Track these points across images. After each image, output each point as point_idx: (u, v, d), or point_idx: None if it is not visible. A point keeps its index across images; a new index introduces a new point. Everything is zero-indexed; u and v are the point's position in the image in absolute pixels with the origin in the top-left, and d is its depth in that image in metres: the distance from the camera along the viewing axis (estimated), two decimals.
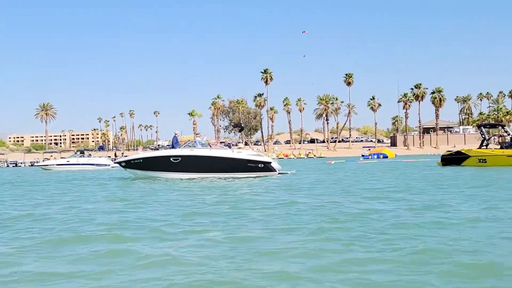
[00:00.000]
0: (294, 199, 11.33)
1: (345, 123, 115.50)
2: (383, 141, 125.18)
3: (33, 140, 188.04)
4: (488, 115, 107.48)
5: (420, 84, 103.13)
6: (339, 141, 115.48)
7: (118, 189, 17.55)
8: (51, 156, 64.21)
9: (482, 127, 30.54)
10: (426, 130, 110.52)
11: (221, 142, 25.99)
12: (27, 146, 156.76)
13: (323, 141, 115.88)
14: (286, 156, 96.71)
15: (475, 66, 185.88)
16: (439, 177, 19.92)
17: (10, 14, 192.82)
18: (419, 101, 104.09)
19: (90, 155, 52.52)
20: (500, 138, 35.75)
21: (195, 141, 24.47)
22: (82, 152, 52.27)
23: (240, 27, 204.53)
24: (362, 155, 70.42)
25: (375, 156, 65.45)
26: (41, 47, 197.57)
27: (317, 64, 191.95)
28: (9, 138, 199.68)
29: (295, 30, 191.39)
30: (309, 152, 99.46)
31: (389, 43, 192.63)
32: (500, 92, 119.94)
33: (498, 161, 27.66)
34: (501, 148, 28.64)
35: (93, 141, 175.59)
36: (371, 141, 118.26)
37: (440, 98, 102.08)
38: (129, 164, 25.03)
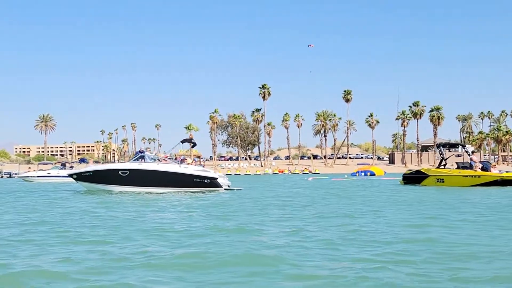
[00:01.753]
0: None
1: (344, 140, 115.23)
2: (383, 158, 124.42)
3: (38, 151, 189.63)
4: (487, 134, 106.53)
5: (418, 102, 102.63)
6: (338, 158, 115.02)
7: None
8: (29, 168, 65.29)
9: (442, 147, 30.34)
10: (425, 148, 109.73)
11: (168, 157, 26.12)
12: (32, 157, 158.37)
13: (324, 158, 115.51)
14: (281, 171, 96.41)
15: (478, 84, 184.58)
16: (364, 194, 19.66)
17: (18, 28, 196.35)
18: (417, 119, 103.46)
19: (72, 167, 52.95)
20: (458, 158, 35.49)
21: (144, 155, 24.57)
22: (63, 165, 52.98)
23: (240, 42, 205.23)
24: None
25: (363, 174, 65.01)
26: (47, 59, 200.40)
27: (316, 80, 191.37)
28: (15, 148, 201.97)
29: (295, 45, 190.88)
30: (305, 168, 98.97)
31: (390, 60, 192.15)
32: (502, 111, 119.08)
33: (455, 181, 27.38)
34: (458, 168, 28.38)
35: (98, 153, 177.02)
36: (371, 158, 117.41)
37: (439, 116, 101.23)
38: (79, 177, 25.17)
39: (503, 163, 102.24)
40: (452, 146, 30.42)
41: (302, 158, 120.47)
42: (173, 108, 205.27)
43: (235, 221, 10.21)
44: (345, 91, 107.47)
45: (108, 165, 28.06)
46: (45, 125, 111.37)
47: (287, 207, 14.19)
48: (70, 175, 26.58)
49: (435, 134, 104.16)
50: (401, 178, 31.84)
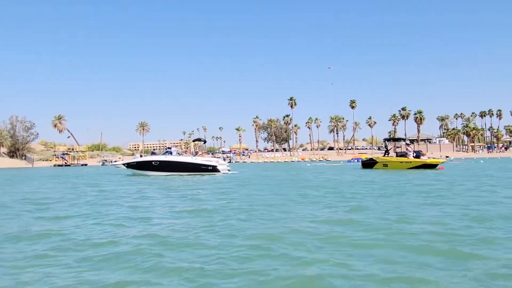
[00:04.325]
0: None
1: (352, 136, 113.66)
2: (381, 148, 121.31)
3: (144, 147, 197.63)
4: (459, 130, 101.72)
5: (405, 107, 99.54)
6: (349, 149, 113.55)
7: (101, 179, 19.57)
8: (119, 158, 68.59)
9: (386, 141, 30.07)
10: (411, 141, 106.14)
11: (186, 151, 27.77)
12: (140, 151, 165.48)
13: (337, 149, 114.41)
14: (303, 159, 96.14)
15: (455, 91, 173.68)
16: (316, 172, 20.37)
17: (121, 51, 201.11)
18: (405, 120, 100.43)
19: (141, 156, 55.09)
20: (397, 149, 34.82)
21: (171, 151, 26.29)
22: (141, 156, 55.42)
23: (275, 61, 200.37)
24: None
25: (356, 160, 64.34)
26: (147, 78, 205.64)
27: (330, 91, 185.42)
28: (129, 145, 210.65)
29: (319, 63, 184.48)
30: (322, 157, 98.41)
31: (389, 74, 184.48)
32: (472, 113, 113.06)
33: (395, 165, 27.46)
34: (397, 156, 28.26)
35: (181, 148, 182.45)
36: (371, 149, 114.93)
37: (421, 118, 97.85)
38: (128, 165, 27.15)
39: (472, 151, 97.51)
40: (395, 140, 30.16)
41: (322, 149, 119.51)
42: (229, 114, 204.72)
43: (185, 191, 11.62)
44: (351, 100, 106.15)
45: (145, 157, 29.65)
46: (143, 129, 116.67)
47: (243, 185, 15.34)
48: (123, 164, 28.52)
49: (418, 131, 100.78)
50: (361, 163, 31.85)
